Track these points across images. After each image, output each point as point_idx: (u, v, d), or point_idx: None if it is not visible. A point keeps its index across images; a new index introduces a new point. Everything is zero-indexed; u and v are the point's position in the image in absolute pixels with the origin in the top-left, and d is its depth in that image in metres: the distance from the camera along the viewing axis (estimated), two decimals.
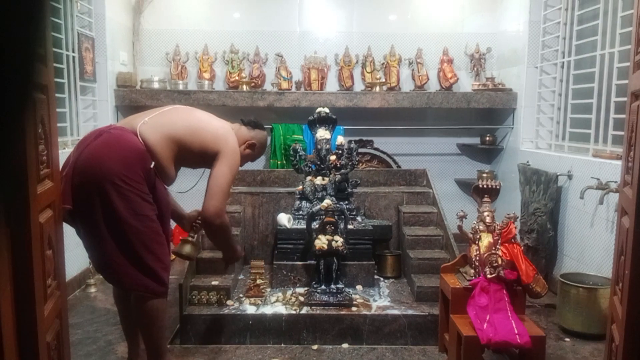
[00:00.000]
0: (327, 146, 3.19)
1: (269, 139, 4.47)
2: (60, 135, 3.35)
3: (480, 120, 4.74)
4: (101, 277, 3.36)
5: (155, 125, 2.10)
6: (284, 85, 4.49)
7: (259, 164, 4.58)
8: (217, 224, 2.14)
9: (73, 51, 3.62)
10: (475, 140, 4.67)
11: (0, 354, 1.23)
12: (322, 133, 3.19)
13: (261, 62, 4.58)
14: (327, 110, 3.24)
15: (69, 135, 3.55)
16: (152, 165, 2.05)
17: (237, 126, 2.41)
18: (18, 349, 1.32)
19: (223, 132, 2.22)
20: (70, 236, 1.81)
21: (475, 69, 4.62)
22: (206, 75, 4.50)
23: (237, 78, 4.48)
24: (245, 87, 4.37)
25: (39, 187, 1.44)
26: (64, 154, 1.93)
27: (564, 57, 3.81)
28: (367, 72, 4.60)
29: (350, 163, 3.20)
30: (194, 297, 2.76)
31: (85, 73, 3.74)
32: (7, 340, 1.26)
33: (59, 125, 3.01)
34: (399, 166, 4.51)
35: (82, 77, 3.71)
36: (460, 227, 2.43)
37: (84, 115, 3.80)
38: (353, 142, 3.34)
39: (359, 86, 4.63)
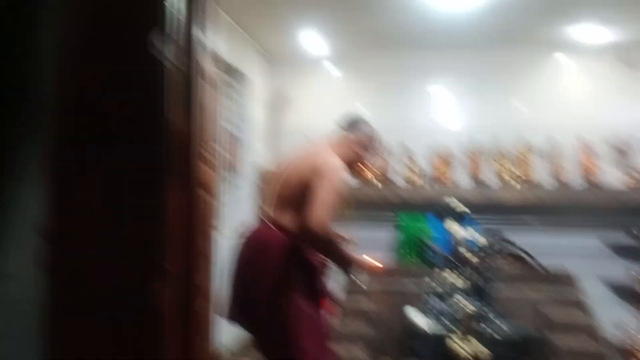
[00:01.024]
0: (461, 241, 3.07)
1: (396, 231, 4.44)
2: None
3: (632, 215, 4.27)
4: None
5: (279, 204, 2.13)
6: (412, 177, 4.49)
7: (384, 254, 4.52)
8: (322, 233, 1.93)
9: (221, 147, 3.99)
10: (627, 238, 4.20)
11: None
12: (455, 227, 3.09)
13: (388, 153, 4.65)
14: (459, 203, 3.15)
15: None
16: (298, 249, 2.08)
17: (336, 138, 2.31)
18: None
19: (317, 162, 2.10)
20: None
21: (623, 161, 4.25)
22: None
23: (365, 170, 4.58)
24: (373, 179, 4.45)
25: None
26: None
27: None
28: (499, 164, 4.45)
29: (486, 260, 3.02)
30: None
31: (231, 168, 4.09)
32: None
33: None
34: (539, 265, 4.17)
35: (228, 171, 4.06)
36: (623, 342, 2.12)
37: (228, 206, 4.10)
38: (488, 237, 3.17)
39: (490, 178, 4.48)
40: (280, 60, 4.82)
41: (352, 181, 4.52)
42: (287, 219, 2.09)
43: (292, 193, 2.09)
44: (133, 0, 1.18)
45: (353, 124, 2.34)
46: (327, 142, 2.27)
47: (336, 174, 2.06)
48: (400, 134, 4.67)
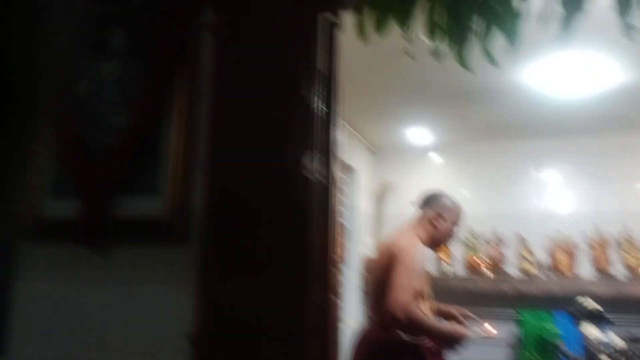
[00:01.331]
0: (596, 344, 2.77)
1: (515, 328, 4.10)
2: None
3: None
4: None
5: (373, 297, 2.15)
6: (528, 267, 4.22)
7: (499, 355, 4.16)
8: (404, 318, 1.93)
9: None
10: None
11: None
12: (590, 330, 2.81)
13: (500, 243, 4.44)
14: (594, 303, 2.88)
15: None
16: (398, 339, 2.04)
17: (415, 218, 2.29)
18: None
19: (392, 249, 2.14)
20: None
21: None
22: (445, 257, 4.52)
23: (477, 261, 4.39)
24: (486, 271, 4.24)
25: None
26: None
27: None
28: (628, 254, 4.06)
29: None
30: None
31: (336, 257, 4.11)
32: None
33: None
34: None
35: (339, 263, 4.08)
36: None
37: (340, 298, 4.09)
38: (626, 338, 2.85)
39: (619, 270, 4.08)
40: (385, 151, 4.92)
41: (463, 273, 4.35)
42: (381, 311, 2.09)
43: (379, 284, 2.13)
44: (285, 124, 1.28)
45: (429, 200, 2.35)
46: (407, 225, 2.30)
47: (409, 255, 2.07)
48: (513, 222, 4.46)
